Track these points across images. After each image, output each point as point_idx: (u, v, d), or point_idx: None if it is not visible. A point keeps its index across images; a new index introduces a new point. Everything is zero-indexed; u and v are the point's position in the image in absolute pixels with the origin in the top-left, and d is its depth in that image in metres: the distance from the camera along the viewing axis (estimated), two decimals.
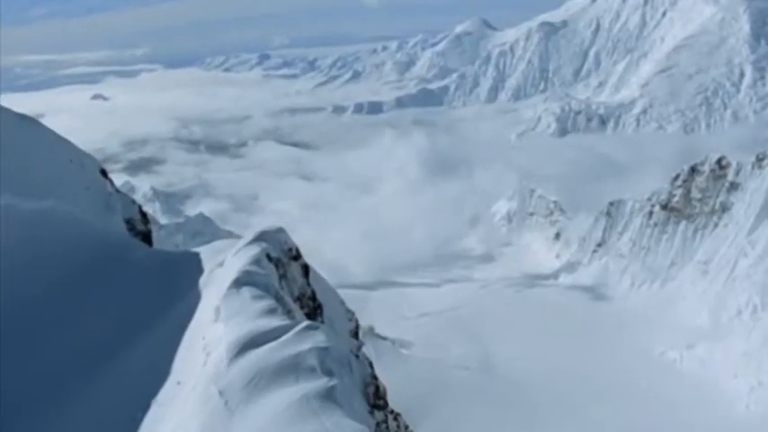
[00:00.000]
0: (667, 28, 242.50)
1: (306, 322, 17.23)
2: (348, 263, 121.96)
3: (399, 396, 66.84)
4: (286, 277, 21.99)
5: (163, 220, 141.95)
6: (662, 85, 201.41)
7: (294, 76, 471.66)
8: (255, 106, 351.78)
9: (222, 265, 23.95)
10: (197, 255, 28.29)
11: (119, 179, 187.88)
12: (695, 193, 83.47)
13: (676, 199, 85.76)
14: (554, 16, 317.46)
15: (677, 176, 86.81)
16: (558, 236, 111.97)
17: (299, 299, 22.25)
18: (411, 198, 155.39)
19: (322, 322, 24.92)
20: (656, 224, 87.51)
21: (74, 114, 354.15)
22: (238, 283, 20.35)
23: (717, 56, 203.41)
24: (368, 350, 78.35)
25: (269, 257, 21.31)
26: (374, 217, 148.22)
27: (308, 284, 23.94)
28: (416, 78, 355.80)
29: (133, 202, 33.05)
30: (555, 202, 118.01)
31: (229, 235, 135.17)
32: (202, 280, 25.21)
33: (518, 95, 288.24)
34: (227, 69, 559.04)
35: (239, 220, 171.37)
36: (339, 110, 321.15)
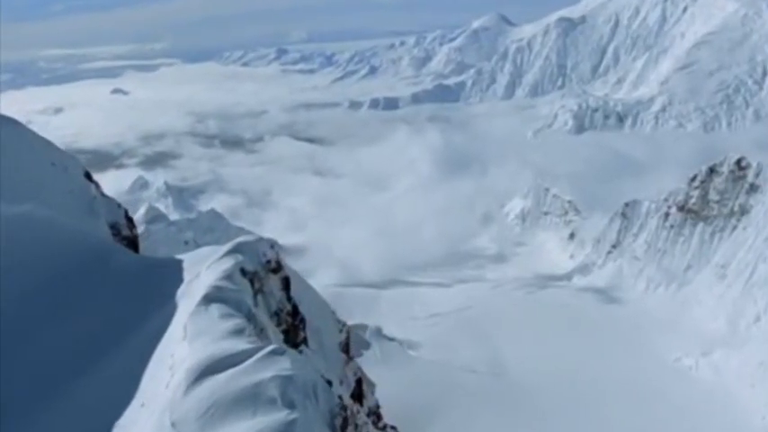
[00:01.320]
0: (688, 24, 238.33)
1: (271, 347, 15.97)
2: (359, 261, 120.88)
3: (406, 399, 65.76)
4: (263, 291, 20.74)
5: (175, 216, 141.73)
6: (682, 82, 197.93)
7: (311, 71, 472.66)
8: (272, 101, 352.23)
9: (198, 277, 22.77)
10: (180, 262, 27.12)
11: (133, 174, 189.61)
12: (713, 195, 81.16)
13: (693, 200, 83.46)
14: (572, 12, 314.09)
15: (695, 177, 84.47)
16: (572, 236, 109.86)
17: (276, 314, 21.00)
18: (424, 196, 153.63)
19: (305, 338, 23.65)
20: (672, 226, 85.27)
21: (93, 108, 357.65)
22: (207, 299, 19.16)
23: (739, 53, 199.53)
24: (374, 351, 77.54)
25: (243, 272, 20.07)
26: (386, 214, 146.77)
27: (289, 298, 22.65)
28: (433, 74, 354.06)
29: (119, 206, 31.97)
30: (570, 201, 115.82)
31: (240, 231, 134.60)
32: (180, 290, 24.05)
33: (535, 92, 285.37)
34: (245, 64, 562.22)
35: (252, 216, 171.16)
36: (355, 105, 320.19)
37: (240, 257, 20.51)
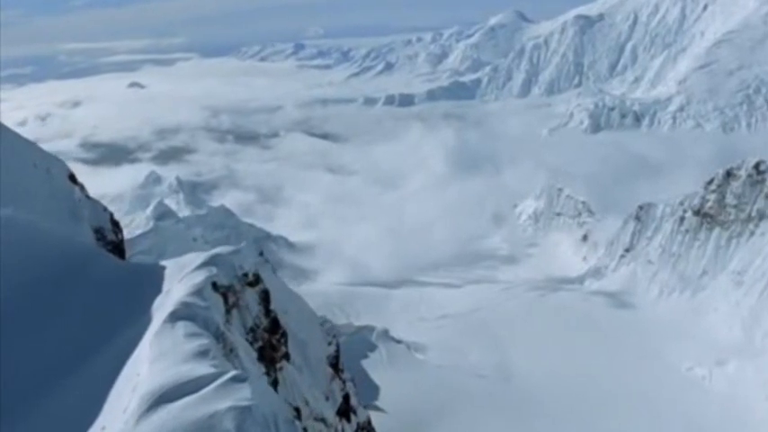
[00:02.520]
0: (708, 22, 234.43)
1: (232, 373, 14.69)
2: (369, 260, 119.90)
3: (411, 403, 64.38)
4: (238, 306, 19.48)
5: (186, 212, 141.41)
6: (701, 81, 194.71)
7: (328, 67, 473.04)
8: (287, 96, 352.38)
9: (171, 291, 21.60)
10: (162, 270, 25.91)
11: (146, 168, 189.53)
12: (730, 199, 78.79)
13: (710, 204, 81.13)
14: (590, 9, 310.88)
15: (711, 180, 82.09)
16: (585, 238, 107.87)
17: (252, 330, 19.72)
18: (436, 194, 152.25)
19: (286, 353, 22.38)
20: (687, 230, 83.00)
21: (110, 102, 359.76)
22: (174, 317, 17.93)
23: (760, 51, 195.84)
24: (381, 353, 76.22)
25: (215, 286, 18.81)
26: (398, 213, 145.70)
27: (268, 312, 21.36)
28: (449, 71, 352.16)
29: (105, 209, 30.85)
30: (583, 202, 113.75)
31: (250, 228, 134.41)
32: (157, 302, 22.93)
33: (551, 90, 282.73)
34: (262, 59, 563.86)
35: (264, 212, 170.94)
36: (370, 101, 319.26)
37: (214, 270, 19.25)
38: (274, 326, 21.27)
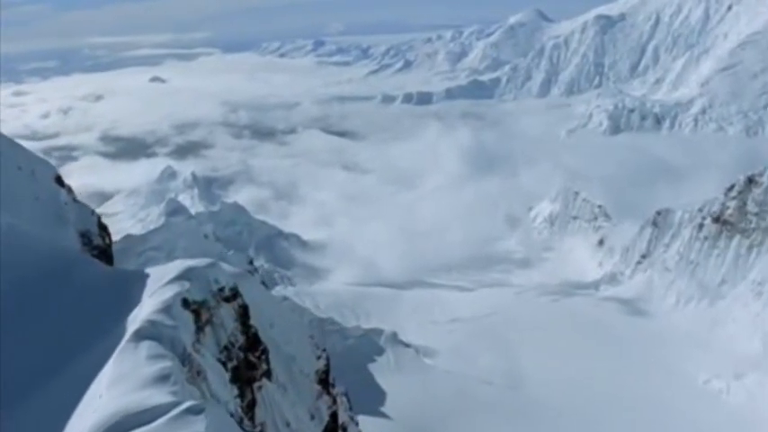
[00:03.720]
0: (732, 23, 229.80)
1: (187, 404, 13.45)
2: (382, 260, 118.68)
3: (418, 409, 62.85)
4: (212, 323, 18.21)
5: (199, 208, 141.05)
6: (723, 83, 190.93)
7: (347, 64, 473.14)
8: (306, 93, 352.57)
9: (141, 305, 20.44)
10: (146, 278, 24.86)
11: (162, 163, 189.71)
12: (751, 207, 76.41)
13: (730, 211, 78.77)
14: (611, 9, 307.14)
15: (732, 187, 79.73)
16: (601, 243, 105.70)
17: (226, 349, 18.44)
18: (452, 195, 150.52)
19: (267, 370, 21.08)
20: (706, 237, 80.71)
21: (132, 96, 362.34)
22: (139, 336, 16.76)
23: None
24: (388, 357, 74.85)
25: (186, 303, 17.59)
26: (412, 213, 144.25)
27: (245, 329, 20.05)
28: (468, 69, 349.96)
29: (92, 212, 29.75)
30: (600, 206, 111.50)
31: (263, 225, 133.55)
32: (133, 314, 21.89)
33: (571, 90, 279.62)
34: (282, 55, 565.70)
35: (279, 209, 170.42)
36: (388, 99, 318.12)
37: (186, 285, 18.03)
38: (254, 342, 19.99)
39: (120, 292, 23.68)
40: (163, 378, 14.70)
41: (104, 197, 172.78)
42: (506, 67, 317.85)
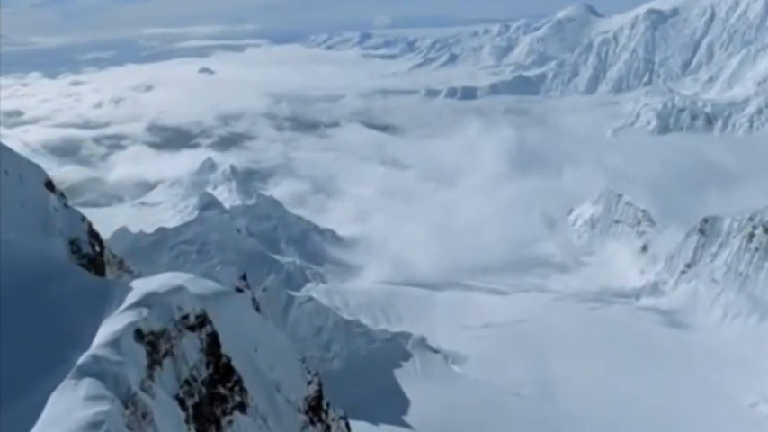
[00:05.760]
0: None
1: None
2: (416, 258, 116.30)
3: (442, 419, 60.37)
4: (172, 355, 16.26)
5: (236, 201, 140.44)
6: None
7: (392, 57, 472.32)
8: (350, 86, 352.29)
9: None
10: (128, 291, 23.23)
11: (204, 155, 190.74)
12: None
13: None
14: (664, 3, 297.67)
15: None
16: (644, 249, 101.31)
17: (187, 383, 16.47)
18: (491, 194, 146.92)
19: (240, 403, 19.04)
20: (756, 249, 76.17)
21: (180, 87, 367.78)
22: (81, 372, 14.93)
23: None
24: (414, 363, 72.58)
25: (139, 334, 15.70)
26: (450, 211, 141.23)
27: (215, 359, 18.03)
28: (514, 64, 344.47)
29: (83, 219, 28.15)
30: (644, 210, 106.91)
31: (298, 220, 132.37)
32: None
33: (619, 87, 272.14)
34: (329, 47, 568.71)
35: (317, 203, 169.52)
36: (432, 93, 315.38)
37: (144, 313, 16.20)
38: (225, 373, 17.98)
39: (100, 306, 22.03)
40: (94, 426, 13.02)
41: (148, 187, 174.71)
42: (553, 63, 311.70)
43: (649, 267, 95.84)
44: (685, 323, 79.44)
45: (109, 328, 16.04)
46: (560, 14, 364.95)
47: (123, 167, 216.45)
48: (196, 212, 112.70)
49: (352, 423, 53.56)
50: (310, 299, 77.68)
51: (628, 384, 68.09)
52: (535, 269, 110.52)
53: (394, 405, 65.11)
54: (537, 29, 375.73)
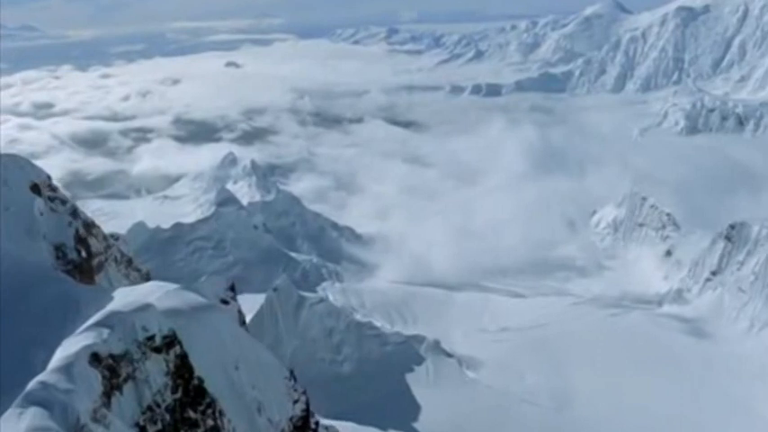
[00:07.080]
0: None
1: None
2: (435, 258, 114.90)
3: (453, 427, 58.78)
4: (134, 379, 15.02)
5: (255, 197, 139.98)
6: None
7: (418, 52, 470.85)
8: (375, 81, 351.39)
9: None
10: (109, 300, 22.12)
11: (225, 149, 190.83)
12: None
13: None
14: (695, 0, 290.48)
15: None
16: (668, 254, 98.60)
17: (150, 409, 15.24)
18: (513, 193, 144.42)
19: (212, 426, 17.77)
20: None
21: (206, 80, 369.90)
22: (27, 400, 13.79)
23: None
24: (427, 368, 71.03)
25: (96, 358, 14.51)
26: (471, 210, 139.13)
27: (184, 382, 16.77)
28: (540, 61, 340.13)
29: (70, 224, 27.12)
30: (668, 214, 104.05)
31: (316, 217, 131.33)
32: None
33: (647, 86, 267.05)
34: (355, 42, 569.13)
35: (337, 199, 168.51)
36: (456, 90, 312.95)
37: (104, 334, 14.97)
38: (196, 396, 16.72)
39: (77, 317, 20.96)
40: None
41: (171, 180, 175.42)
42: (580, 60, 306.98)
43: (673, 273, 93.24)
44: (709, 333, 76.95)
45: (64, 350, 14.86)
46: (588, 11, 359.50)
47: (148, 160, 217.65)
48: (213, 208, 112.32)
49: (360, 428, 52.39)
50: (322, 300, 76.50)
51: (646, 395, 65.96)
52: (555, 272, 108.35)
53: (404, 410, 63.77)
54: (564, 25, 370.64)
